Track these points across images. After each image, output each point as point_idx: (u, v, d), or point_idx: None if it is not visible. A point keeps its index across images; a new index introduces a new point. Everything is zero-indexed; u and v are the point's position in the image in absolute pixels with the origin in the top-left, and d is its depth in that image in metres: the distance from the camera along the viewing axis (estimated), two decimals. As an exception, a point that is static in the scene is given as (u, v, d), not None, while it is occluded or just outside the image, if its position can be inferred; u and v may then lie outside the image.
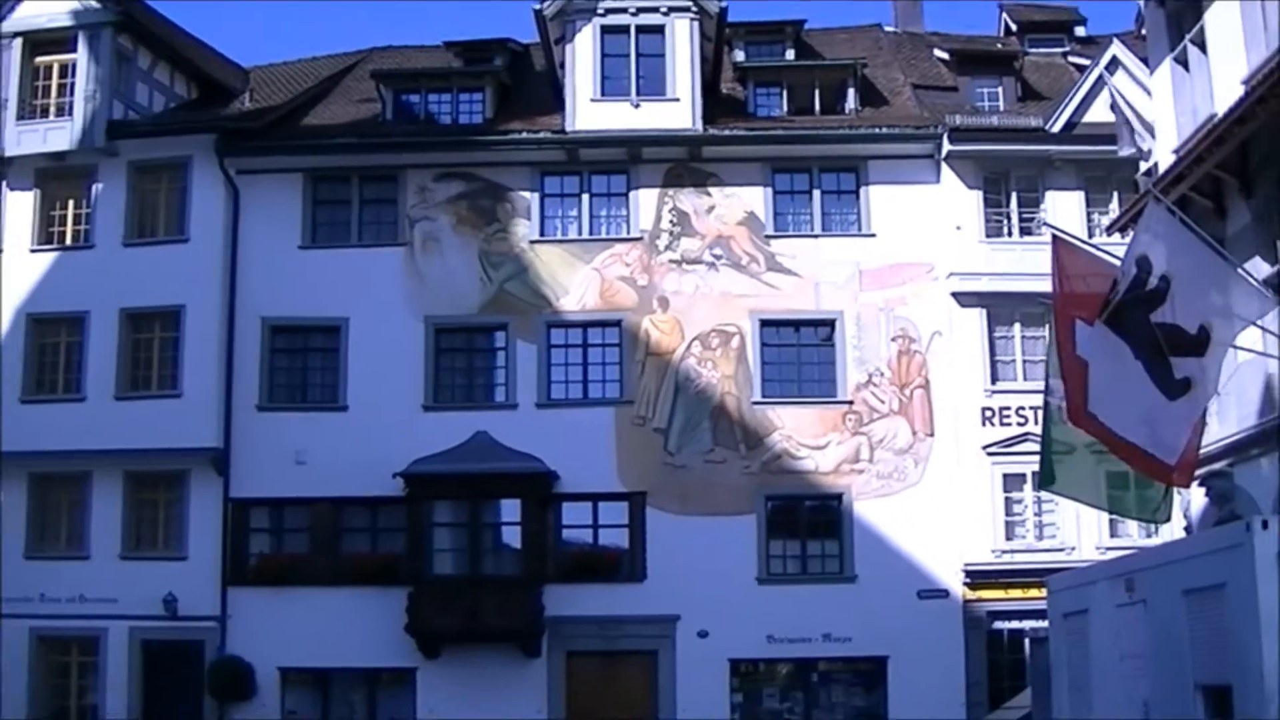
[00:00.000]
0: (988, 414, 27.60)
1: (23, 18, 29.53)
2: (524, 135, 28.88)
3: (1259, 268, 15.04)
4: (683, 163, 28.84)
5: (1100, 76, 27.46)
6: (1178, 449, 12.72)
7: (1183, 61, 17.92)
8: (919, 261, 28.23)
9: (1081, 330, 12.99)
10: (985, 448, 27.47)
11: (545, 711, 26.80)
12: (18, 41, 29.48)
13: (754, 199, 28.69)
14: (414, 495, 27.16)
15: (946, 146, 28.22)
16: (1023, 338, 27.92)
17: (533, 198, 28.82)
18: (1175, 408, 12.54)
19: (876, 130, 28.89)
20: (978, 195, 28.42)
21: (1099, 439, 13.59)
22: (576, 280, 28.37)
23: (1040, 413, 17.32)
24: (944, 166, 28.45)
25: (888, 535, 27.30)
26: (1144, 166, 21.03)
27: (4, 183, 29.87)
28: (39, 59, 29.72)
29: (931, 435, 27.69)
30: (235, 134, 28.98)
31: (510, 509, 27.44)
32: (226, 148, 28.71)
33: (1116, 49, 27.80)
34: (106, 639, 28.00)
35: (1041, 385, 17.68)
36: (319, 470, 27.64)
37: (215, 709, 27.43)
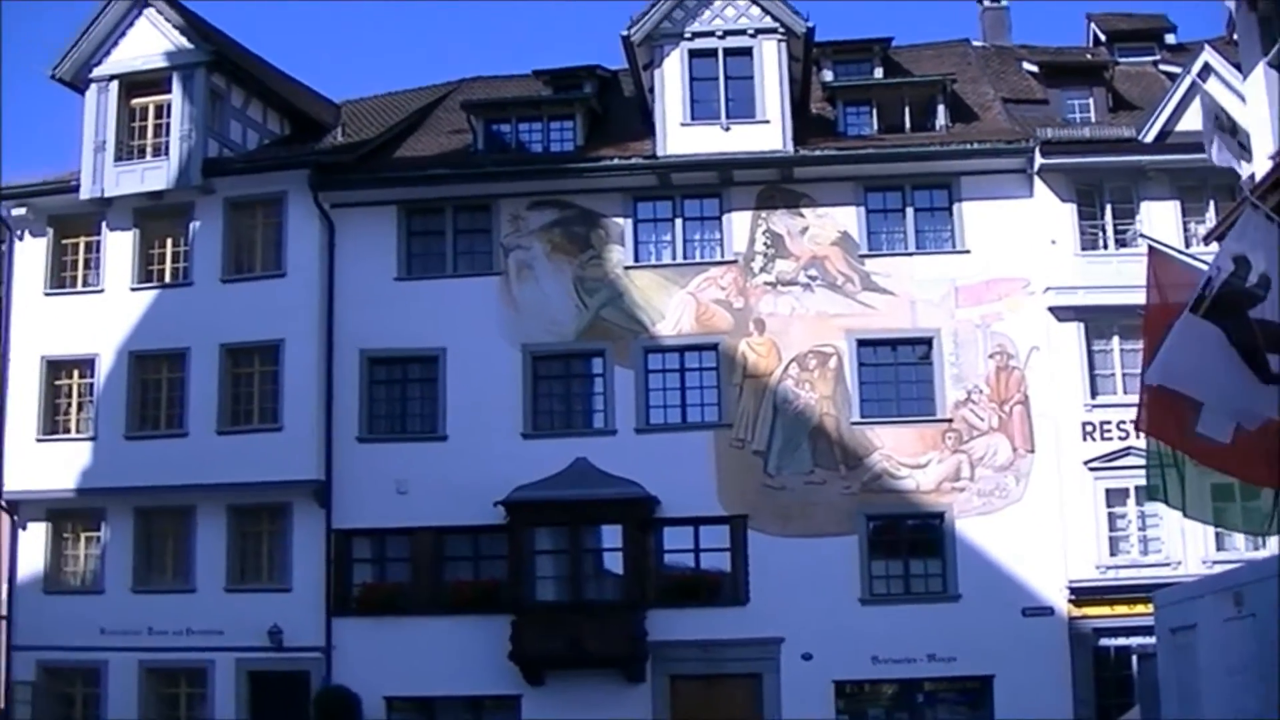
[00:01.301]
0: (1088, 428, 29.05)
1: (118, 60, 32.03)
2: (615, 161, 30.82)
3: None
4: (774, 184, 30.58)
5: (1192, 84, 29.10)
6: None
7: (1277, 65, 18.32)
8: (1014, 276, 29.73)
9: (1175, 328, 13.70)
10: (1087, 463, 28.86)
11: None
12: (114, 84, 32.02)
13: (847, 219, 30.37)
14: (515, 523, 29.06)
15: (1038, 160, 29.67)
16: (1122, 351, 29.18)
17: (626, 223, 30.71)
18: (1269, 391, 13.26)
19: (967, 146, 30.39)
20: (1072, 208, 29.87)
21: (1188, 452, 14.52)
22: (672, 305, 30.21)
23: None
24: (1036, 180, 29.92)
25: (990, 553, 28.71)
26: (1243, 173, 22.32)
27: (21, 233, 32.53)
28: (135, 100, 32.26)
29: (1032, 451, 29.12)
30: (329, 168, 31.24)
31: (611, 534, 29.14)
32: (321, 182, 30.97)
33: (1208, 55, 29.21)
34: (213, 670, 30.26)
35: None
36: (420, 499, 29.71)
37: None
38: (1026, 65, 34.41)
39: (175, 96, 31.79)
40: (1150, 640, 18.19)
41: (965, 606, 28.56)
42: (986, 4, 38.01)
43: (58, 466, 31.37)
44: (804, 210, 30.53)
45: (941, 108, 31.57)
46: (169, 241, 32.12)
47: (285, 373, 30.62)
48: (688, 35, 30.95)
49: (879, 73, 33.58)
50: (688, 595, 29.12)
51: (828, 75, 33.61)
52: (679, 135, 30.67)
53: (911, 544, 29.41)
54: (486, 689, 29.24)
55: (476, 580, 29.80)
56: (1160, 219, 29.25)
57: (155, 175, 31.63)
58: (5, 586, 31.99)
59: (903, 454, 29.33)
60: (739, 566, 29.16)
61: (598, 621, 28.44)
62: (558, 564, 29.23)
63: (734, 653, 28.65)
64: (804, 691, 28.33)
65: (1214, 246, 21.28)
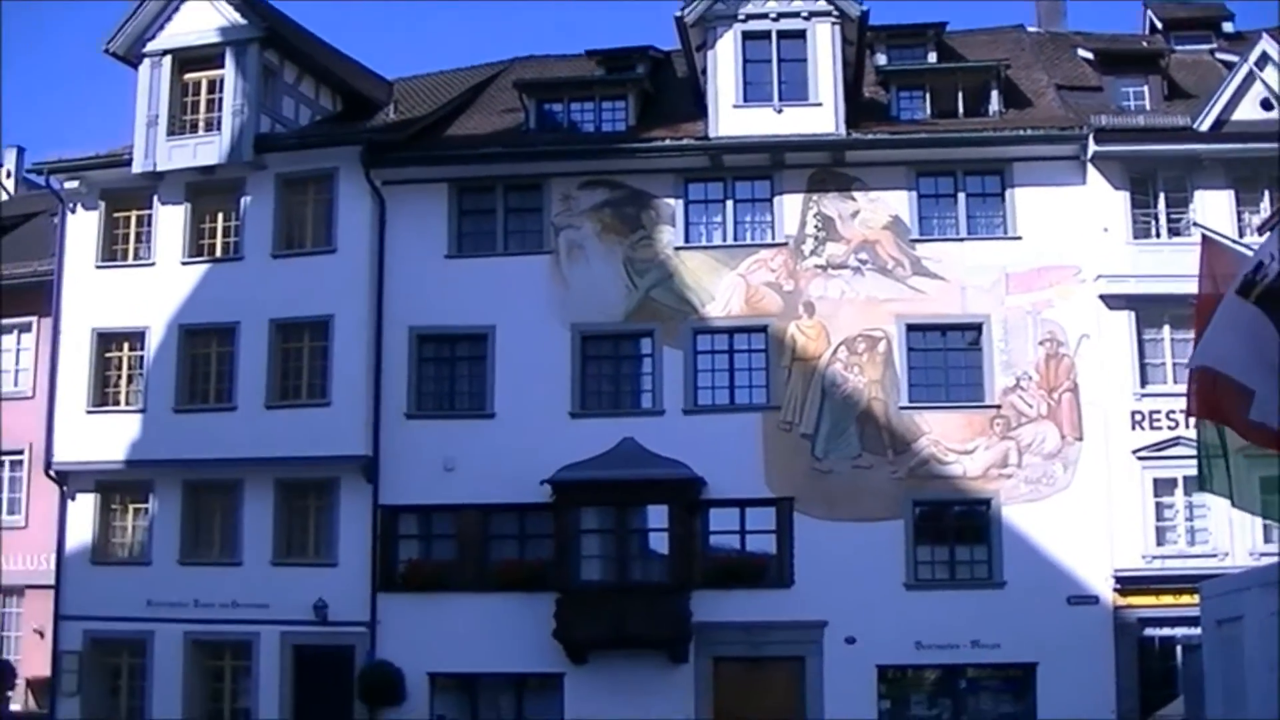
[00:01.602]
0: (1137, 417, 29.46)
1: (172, 35, 32.75)
2: (667, 142, 31.39)
3: None
4: (826, 168, 31.06)
5: (1249, 72, 29.51)
6: None
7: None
8: (1066, 264, 30.13)
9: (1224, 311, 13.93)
10: (1135, 452, 29.26)
11: (693, 717, 29.02)
12: (167, 59, 32.74)
13: (898, 203, 30.84)
14: (562, 502, 29.67)
15: (1092, 147, 30.02)
16: (1173, 340, 29.54)
17: (677, 204, 31.26)
18: None
19: (1021, 132, 30.78)
20: (1124, 196, 30.23)
21: (1241, 433, 14.51)
22: (722, 286, 30.74)
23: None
24: (1090, 168, 30.27)
25: (1037, 540, 29.14)
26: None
27: (74, 206, 33.44)
28: (188, 76, 32.98)
29: (1080, 439, 29.54)
30: (381, 146, 31.90)
31: (657, 515, 29.74)
32: (372, 159, 31.63)
33: (1266, 44, 29.75)
34: (259, 644, 31.04)
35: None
36: (467, 477, 30.40)
37: (365, 714, 30.18)
38: (1081, 52, 34.73)
39: (228, 72, 32.48)
40: (1196, 631, 18.62)
41: (1010, 594, 28.98)
42: (1041, -10, 38.40)
43: (107, 438, 32.21)
44: (855, 194, 30.99)
45: (995, 93, 31.93)
46: (220, 216, 32.87)
47: (334, 348, 31.29)
48: (741, 17, 31.42)
49: (932, 58, 33.96)
50: (733, 577, 29.62)
51: (881, 59, 34.06)
52: (731, 117, 31.16)
53: (957, 530, 29.86)
54: (530, 667, 29.90)
55: (522, 559, 30.44)
56: (1214, 208, 29.48)
57: (207, 150, 32.34)
58: (54, 557, 32.81)
59: (950, 439, 29.77)
60: (784, 549, 29.68)
61: (642, 602, 29.05)
62: (603, 544, 29.81)
63: (778, 635, 29.19)
64: (847, 675, 28.86)
65: (1268, 237, 21.63)
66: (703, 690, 29.31)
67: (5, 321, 36.05)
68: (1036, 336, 30.04)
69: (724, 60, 31.42)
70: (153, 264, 32.85)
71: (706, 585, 29.41)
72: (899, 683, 29.52)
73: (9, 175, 57.83)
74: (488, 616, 29.94)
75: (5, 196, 53.02)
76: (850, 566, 29.05)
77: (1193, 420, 15.88)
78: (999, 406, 29.85)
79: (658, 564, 29.82)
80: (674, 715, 28.95)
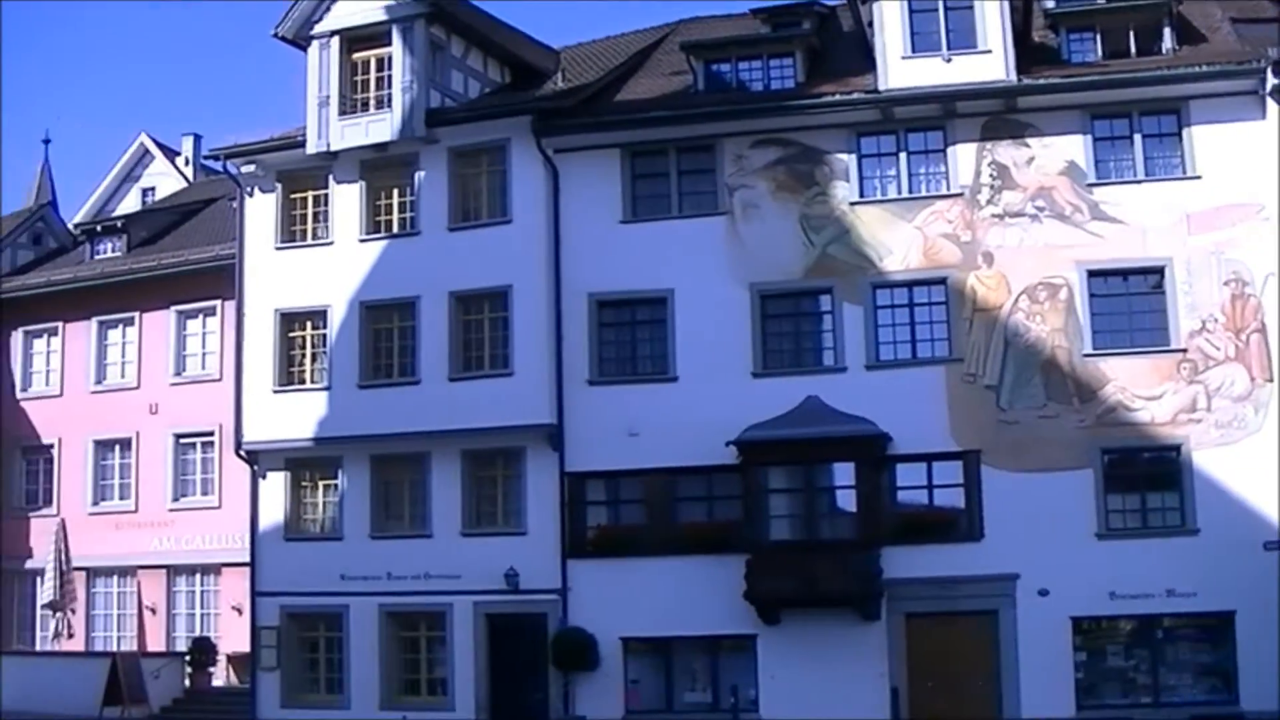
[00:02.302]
0: (1329, 356, 30.09)
1: (338, 16, 35.17)
2: (837, 97, 32.86)
3: None
4: (998, 115, 32.28)
5: None
6: None
7: None
8: (1248, 202, 30.94)
9: None
10: (1328, 390, 29.85)
11: (886, 674, 30.65)
12: (335, 40, 35.20)
13: (1073, 148, 31.93)
14: (747, 462, 31.43)
15: (1271, 81, 30.69)
16: (1364, 274, 30.10)
17: (850, 159, 32.76)
18: None
19: (1196, 69, 31.53)
20: (1307, 129, 30.71)
21: None
22: (899, 240, 32.23)
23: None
24: (1269, 102, 30.96)
25: (1229, 486, 30.09)
26: None
27: (251, 190, 36.22)
28: (356, 55, 35.42)
29: (1271, 381, 30.41)
30: (551, 114, 33.93)
31: (844, 472, 31.30)
32: (543, 128, 33.72)
33: None
34: (451, 614, 33.52)
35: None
36: (652, 441, 32.36)
37: (560, 679, 32.49)
38: (1256, -17, 35.05)
39: (395, 49, 34.81)
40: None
41: (1204, 541, 29.98)
42: (1213, -79, 39.13)
43: (294, 417, 34.93)
44: (1029, 140, 32.17)
45: (1168, 30, 32.76)
46: (395, 192, 35.32)
47: (514, 318, 33.47)
48: (907, -33, 32.50)
49: (1101, -2, 34.70)
50: (922, 532, 31.17)
51: (1049, 2, 34.87)
52: (900, 68, 32.54)
53: (1148, 477, 30.88)
54: (722, 629, 31.79)
55: (710, 521, 32.32)
56: (1403, 136, 29.89)
57: (379, 128, 34.75)
58: (248, 535, 35.75)
59: (1137, 386, 30.84)
60: (973, 502, 31.06)
61: (832, 560, 30.67)
62: (791, 503, 31.48)
63: (969, 590, 30.58)
64: (1041, 628, 30.14)
65: None
66: (895, 647, 30.84)
67: (190, 306, 39.48)
68: (1221, 277, 30.91)
69: (890, 11, 32.72)
70: (331, 243, 35.44)
71: (895, 541, 30.93)
72: (1094, 634, 30.64)
73: (187, 163, 61.81)
74: (678, 579, 31.86)
75: (185, 184, 56.82)
76: (1040, 518, 30.31)
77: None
78: (1185, 350, 30.82)
79: (846, 521, 31.38)
80: (868, 673, 30.62)
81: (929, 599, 30.79)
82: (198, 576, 39.94)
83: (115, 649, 39.77)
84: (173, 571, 40.40)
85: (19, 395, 43.73)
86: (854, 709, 30.31)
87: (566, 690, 32.62)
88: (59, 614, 39.97)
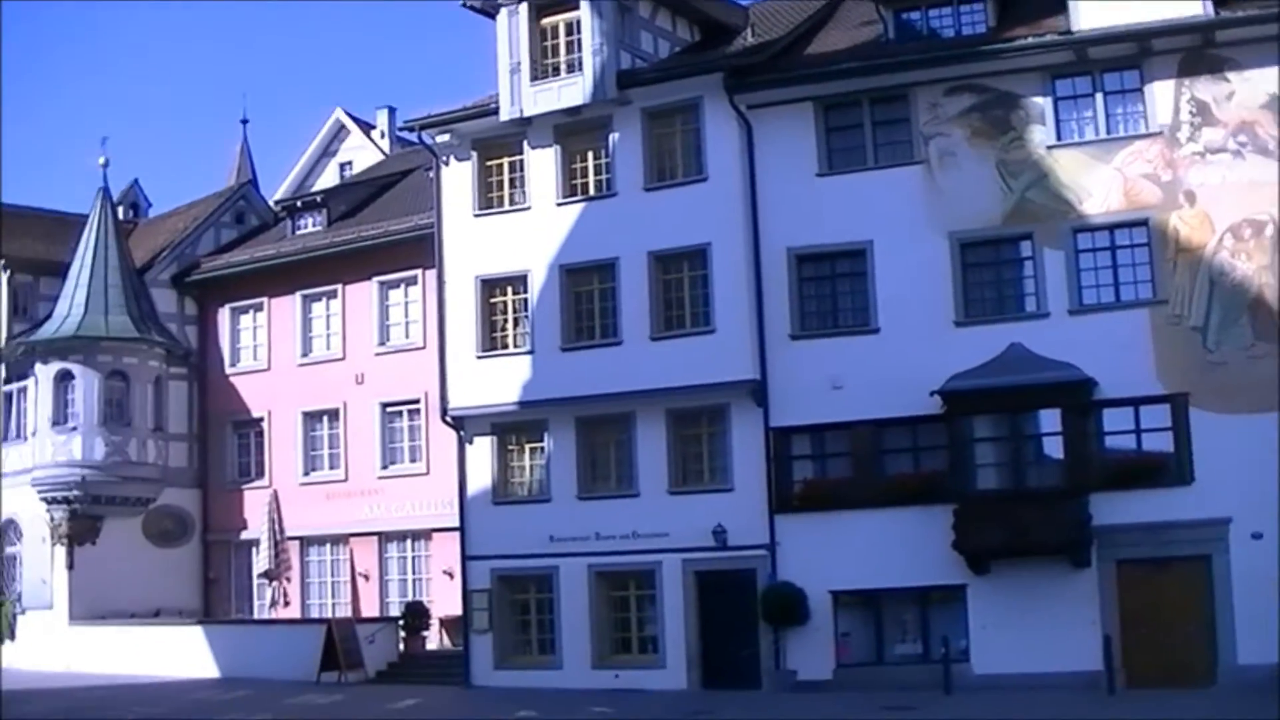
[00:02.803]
0: None
1: (526, -17, 37.07)
2: (1030, 41, 33.63)
3: None
4: (1196, 50, 32.77)
5: None
6: None
7: None
8: None
9: None
10: None
11: (1098, 622, 31.47)
12: (523, 6, 36.94)
13: (1274, 81, 32.27)
14: (952, 412, 32.58)
15: None
16: None
17: (1045, 102, 33.58)
18: None
19: None
20: None
21: None
22: (1098, 182, 32.95)
23: None
24: None
25: None
26: None
27: (447, 159, 38.21)
28: (545, 20, 37.24)
29: None
30: (742, 71, 35.34)
31: (1050, 419, 32.24)
32: (735, 85, 35.17)
33: None
34: (660, 572, 35.30)
35: None
36: (855, 394, 33.67)
37: (770, 634, 34.07)
38: None
39: (584, 12, 36.47)
40: None
41: None
42: None
43: (498, 382, 36.97)
44: (1229, 75, 32.65)
45: None
46: (589, 155, 37.14)
47: (714, 275, 35.04)
48: (1098, -98, 33.00)
49: (1304, -77, 34.80)
50: (1130, 478, 31.87)
51: None
52: (1093, 8, 33.11)
53: None
54: (931, 580, 33.03)
55: (916, 472, 33.58)
56: None
57: (571, 92, 36.55)
58: (457, 500, 37.93)
59: (1350, 321, 30.93)
60: (1182, 446, 31.71)
61: (1040, 508, 31.62)
62: (997, 451, 32.56)
63: (1180, 535, 31.22)
64: (1255, 572, 30.60)
65: None
66: (1107, 594, 31.70)
67: (392, 276, 41.95)
68: None
69: (1082, -50, 33.08)
70: (528, 208, 37.38)
71: (1104, 487, 31.73)
72: (1312, 577, 30.81)
73: (383, 136, 64.85)
74: (886, 532, 33.16)
75: (381, 156, 59.69)
76: (1251, 460, 30.84)
77: None
78: (1394, 285, 30.95)
79: (1053, 469, 32.33)
80: (1079, 621, 31.50)
81: (1140, 545, 31.48)
82: (408, 542, 42.51)
83: (330, 615, 42.48)
84: (384, 538, 43.08)
85: (228, 370, 46.94)
86: (1066, 658, 31.27)
87: (777, 645, 34.18)
88: (275, 583, 42.78)
